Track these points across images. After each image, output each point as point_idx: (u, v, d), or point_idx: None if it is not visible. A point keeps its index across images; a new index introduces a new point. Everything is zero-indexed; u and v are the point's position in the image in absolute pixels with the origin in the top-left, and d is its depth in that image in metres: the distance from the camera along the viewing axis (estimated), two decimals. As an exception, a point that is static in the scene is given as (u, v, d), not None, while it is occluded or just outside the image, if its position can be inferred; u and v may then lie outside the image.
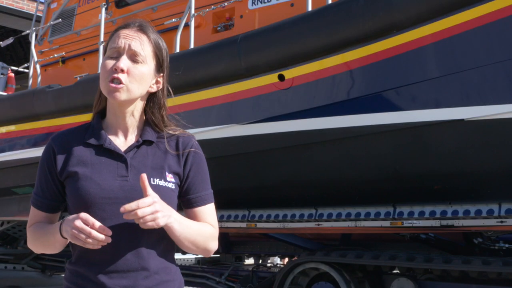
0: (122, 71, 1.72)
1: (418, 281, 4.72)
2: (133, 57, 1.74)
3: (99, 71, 1.83)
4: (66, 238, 1.68)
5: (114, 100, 1.75)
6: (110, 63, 1.73)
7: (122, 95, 1.73)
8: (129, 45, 1.74)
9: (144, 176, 1.63)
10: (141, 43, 1.75)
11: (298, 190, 5.01)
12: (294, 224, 5.08)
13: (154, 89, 1.82)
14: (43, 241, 1.79)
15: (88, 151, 1.77)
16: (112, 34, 1.81)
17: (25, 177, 6.71)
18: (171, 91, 1.90)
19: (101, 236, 1.60)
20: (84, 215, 1.62)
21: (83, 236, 1.60)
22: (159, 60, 1.81)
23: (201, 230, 1.79)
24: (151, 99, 1.83)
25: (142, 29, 1.78)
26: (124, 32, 1.76)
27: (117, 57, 1.74)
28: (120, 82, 1.72)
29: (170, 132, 1.85)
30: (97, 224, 1.61)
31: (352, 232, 5.38)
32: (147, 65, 1.77)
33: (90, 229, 1.60)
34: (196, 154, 1.84)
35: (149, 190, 1.63)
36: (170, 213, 1.66)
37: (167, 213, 1.64)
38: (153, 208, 1.59)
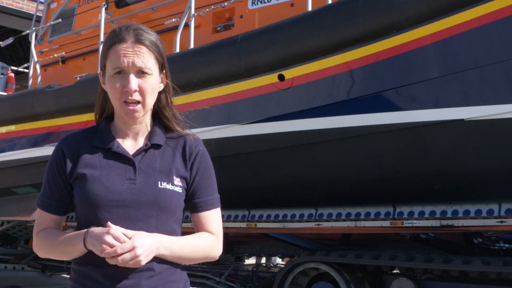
0: (135, 91, 1.72)
1: (418, 281, 4.72)
2: (140, 72, 1.73)
3: (102, 85, 1.82)
4: (88, 249, 1.68)
5: (133, 120, 1.77)
6: (119, 84, 1.72)
7: (140, 114, 1.75)
8: (133, 63, 1.71)
9: (114, 226, 1.64)
10: (143, 57, 1.72)
11: (298, 190, 5.01)
12: (294, 224, 5.08)
13: (161, 88, 1.83)
14: (57, 249, 1.77)
15: (96, 154, 1.77)
16: (108, 46, 1.75)
17: (25, 177, 6.71)
18: (174, 86, 1.90)
19: (130, 256, 1.61)
20: (115, 232, 1.62)
21: (114, 251, 1.60)
22: (161, 61, 1.80)
23: (197, 247, 1.80)
24: (159, 97, 1.83)
25: (138, 40, 1.73)
26: (122, 49, 1.72)
27: (123, 75, 1.72)
28: (135, 103, 1.72)
29: (179, 128, 1.85)
30: (129, 243, 1.61)
31: (352, 232, 5.38)
32: (154, 75, 1.76)
33: (122, 248, 1.61)
34: (203, 159, 1.85)
35: (129, 233, 1.64)
36: (157, 245, 1.68)
37: (152, 248, 1.66)
38: (133, 254, 1.61)
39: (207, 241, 1.83)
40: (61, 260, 8.32)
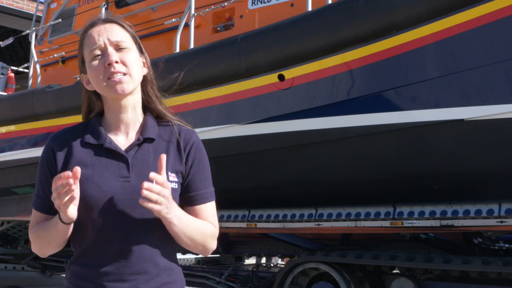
0: (117, 62, 1.69)
1: (418, 281, 4.72)
2: (118, 47, 1.71)
3: (85, 87, 1.79)
4: (66, 224, 1.63)
5: (120, 95, 1.71)
6: (100, 64, 1.69)
7: (128, 86, 1.71)
8: (109, 39, 1.70)
9: (163, 156, 1.62)
10: (117, 32, 1.73)
11: (298, 190, 5.00)
12: (294, 224, 5.08)
13: (144, 72, 1.80)
14: (45, 237, 1.72)
15: (88, 151, 1.73)
16: (82, 37, 1.76)
17: (25, 177, 6.70)
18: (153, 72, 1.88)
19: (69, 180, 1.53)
20: (64, 174, 1.55)
21: (62, 193, 1.54)
22: (138, 42, 1.79)
23: (201, 228, 1.76)
24: (144, 84, 1.81)
25: (109, 20, 1.75)
26: (95, 30, 1.72)
27: (102, 55, 1.70)
28: (121, 74, 1.69)
29: (169, 115, 1.82)
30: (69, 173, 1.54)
31: (352, 232, 5.38)
32: (132, 50, 1.75)
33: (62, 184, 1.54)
34: (198, 150, 1.81)
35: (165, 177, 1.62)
36: (172, 209, 1.63)
37: (170, 208, 1.62)
38: (166, 194, 1.58)
39: (209, 228, 1.80)
40: (61, 260, 8.34)
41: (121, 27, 1.75)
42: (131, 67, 1.71)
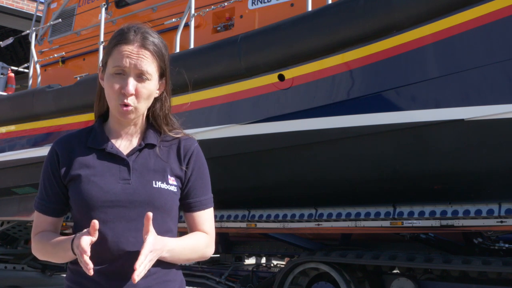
0: (131, 95, 1.71)
1: (418, 281, 4.72)
2: (140, 76, 1.72)
3: (100, 80, 1.82)
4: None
5: (124, 120, 1.77)
6: (117, 84, 1.71)
7: (132, 115, 1.75)
8: (135, 66, 1.71)
9: (150, 215, 1.62)
10: (146, 62, 1.72)
11: (298, 190, 5.01)
12: (294, 224, 5.08)
13: (157, 94, 1.82)
14: (51, 252, 1.77)
15: (90, 155, 1.78)
16: (112, 45, 1.75)
17: (25, 177, 6.71)
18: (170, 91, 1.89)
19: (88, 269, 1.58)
20: (83, 245, 1.59)
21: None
22: (162, 68, 1.79)
23: (195, 247, 1.81)
24: (154, 102, 1.83)
25: (144, 45, 1.73)
26: (127, 50, 1.71)
27: (123, 76, 1.71)
28: (130, 106, 1.72)
29: (172, 134, 1.85)
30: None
31: (352, 232, 5.38)
32: (153, 81, 1.76)
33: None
34: (198, 158, 1.85)
35: (149, 237, 1.62)
36: (161, 248, 1.67)
37: (158, 251, 1.66)
38: (149, 259, 1.61)
39: (203, 241, 1.84)
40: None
41: (152, 56, 1.74)
42: (141, 101, 1.74)
